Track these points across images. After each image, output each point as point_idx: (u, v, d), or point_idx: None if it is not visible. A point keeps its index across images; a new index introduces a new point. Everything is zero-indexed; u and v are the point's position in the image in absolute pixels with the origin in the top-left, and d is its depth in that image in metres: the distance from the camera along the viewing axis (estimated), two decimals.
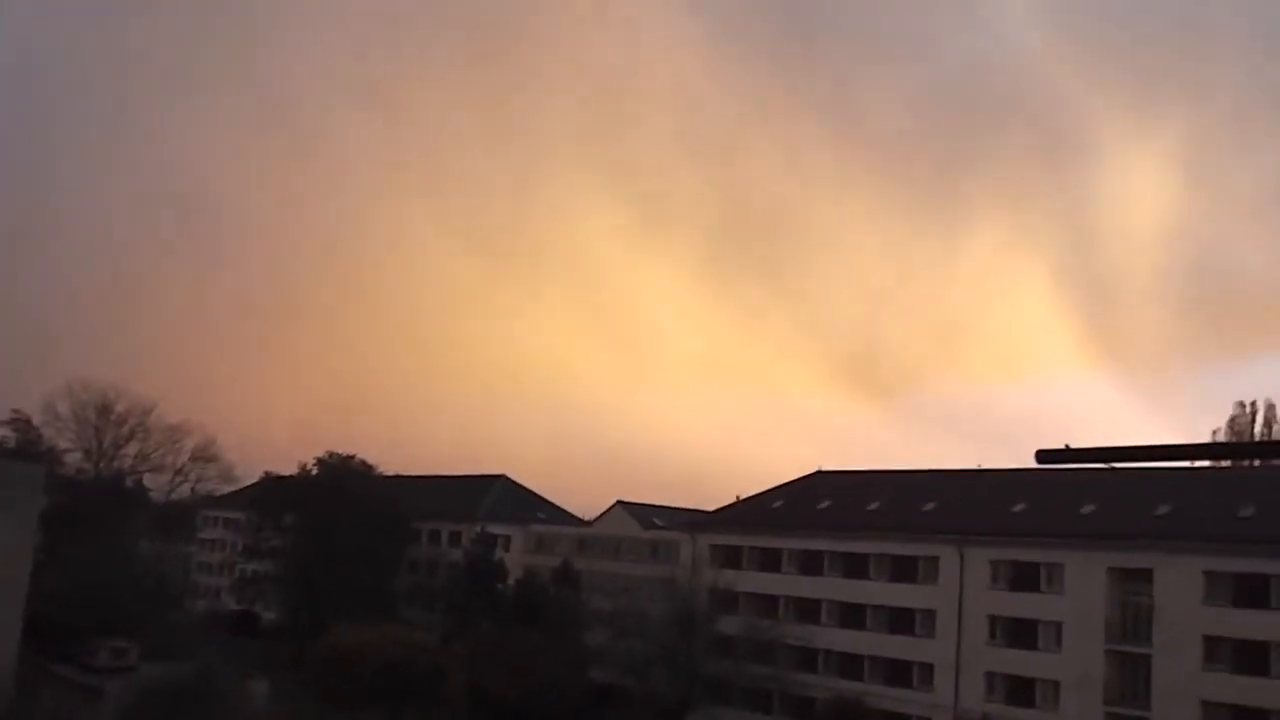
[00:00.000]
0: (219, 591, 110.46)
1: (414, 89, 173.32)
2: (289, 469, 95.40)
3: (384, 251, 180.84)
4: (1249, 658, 50.47)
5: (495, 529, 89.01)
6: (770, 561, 71.96)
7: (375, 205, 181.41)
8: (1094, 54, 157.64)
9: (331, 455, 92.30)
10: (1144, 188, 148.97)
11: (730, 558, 73.51)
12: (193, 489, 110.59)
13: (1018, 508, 62.53)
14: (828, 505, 72.72)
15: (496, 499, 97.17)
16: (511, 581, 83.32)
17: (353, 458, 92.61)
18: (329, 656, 57.80)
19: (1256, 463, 67.37)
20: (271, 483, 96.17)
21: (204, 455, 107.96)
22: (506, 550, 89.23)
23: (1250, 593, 51.07)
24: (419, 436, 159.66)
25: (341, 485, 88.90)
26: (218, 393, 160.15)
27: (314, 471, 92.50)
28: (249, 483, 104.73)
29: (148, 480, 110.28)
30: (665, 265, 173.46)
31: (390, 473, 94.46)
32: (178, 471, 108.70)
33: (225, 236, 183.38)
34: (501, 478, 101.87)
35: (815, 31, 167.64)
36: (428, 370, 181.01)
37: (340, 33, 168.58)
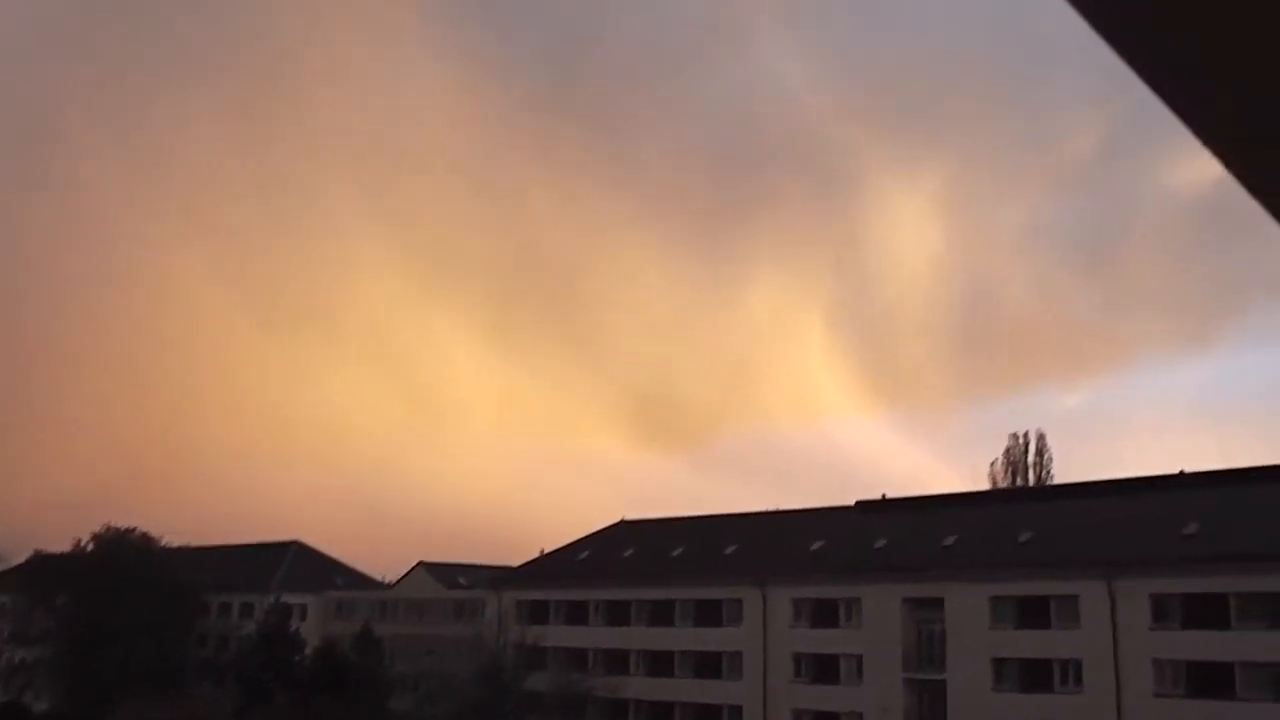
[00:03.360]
0: None
1: (172, 136, 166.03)
2: (63, 547, 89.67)
3: (157, 314, 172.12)
4: (1034, 675, 53.03)
5: (290, 598, 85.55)
6: (577, 614, 71.52)
7: (145, 267, 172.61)
8: (861, 97, 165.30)
9: (108, 529, 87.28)
10: (911, 230, 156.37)
11: (537, 612, 72.67)
12: None
13: (815, 546, 64.11)
14: (632, 554, 72.88)
15: (290, 566, 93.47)
16: (309, 651, 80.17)
17: (132, 530, 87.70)
18: None
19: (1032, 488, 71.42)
20: (41, 561, 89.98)
21: None
22: (304, 619, 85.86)
23: (1033, 613, 53.77)
24: (205, 505, 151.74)
25: (119, 560, 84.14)
26: None
27: (89, 547, 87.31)
28: (16, 563, 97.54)
29: None
30: (455, 317, 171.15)
31: (175, 544, 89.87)
32: None
33: None
34: (295, 544, 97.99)
35: (590, 75, 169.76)
36: (210, 436, 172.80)
37: (87, 67, 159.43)
